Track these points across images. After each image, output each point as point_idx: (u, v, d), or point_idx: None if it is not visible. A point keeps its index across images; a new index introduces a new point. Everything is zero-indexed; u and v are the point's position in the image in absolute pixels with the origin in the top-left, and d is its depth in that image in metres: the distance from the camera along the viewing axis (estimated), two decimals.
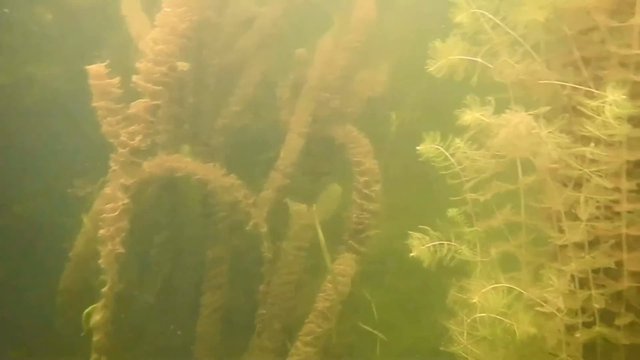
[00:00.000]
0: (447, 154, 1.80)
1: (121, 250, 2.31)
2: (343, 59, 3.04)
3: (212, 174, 2.82)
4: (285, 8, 3.10)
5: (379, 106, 3.37)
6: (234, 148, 3.17)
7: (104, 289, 2.34)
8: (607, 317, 1.67)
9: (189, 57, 2.58)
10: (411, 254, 1.81)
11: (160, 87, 2.29)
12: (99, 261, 2.33)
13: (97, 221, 2.37)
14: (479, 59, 1.69)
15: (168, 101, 2.65)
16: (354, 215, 2.94)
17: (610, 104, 1.40)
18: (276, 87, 3.18)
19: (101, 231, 2.32)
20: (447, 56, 1.71)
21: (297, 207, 2.91)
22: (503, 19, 1.68)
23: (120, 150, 2.32)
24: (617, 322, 1.64)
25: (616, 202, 1.56)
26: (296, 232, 2.94)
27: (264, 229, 2.90)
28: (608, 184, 1.53)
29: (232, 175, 2.86)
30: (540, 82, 1.64)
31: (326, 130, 3.15)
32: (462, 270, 1.87)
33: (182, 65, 2.40)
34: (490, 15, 1.68)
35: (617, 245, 1.60)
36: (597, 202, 1.56)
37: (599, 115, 1.44)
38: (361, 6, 2.96)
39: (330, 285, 2.75)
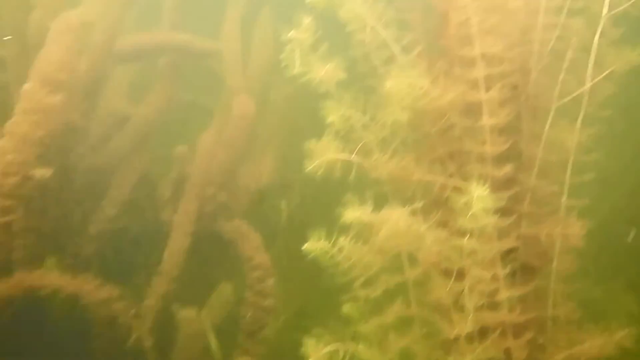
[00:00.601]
0: (333, 251, 1.76)
1: None
2: (225, 154, 3.01)
3: (85, 287, 2.55)
4: (162, 106, 3.03)
5: (267, 197, 3.35)
6: (112, 254, 2.91)
7: None
8: None
9: (51, 164, 2.36)
10: None
11: (12, 201, 2.06)
12: None
13: None
14: (353, 158, 1.72)
15: (25, 213, 2.39)
16: (248, 314, 2.80)
17: (476, 199, 1.47)
18: (156, 187, 3.03)
19: None
20: (322, 156, 1.72)
21: (185, 314, 2.70)
22: (372, 119, 1.75)
23: None
24: None
25: (496, 290, 1.61)
26: (186, 342, 2.71)
27: (148, 342, 2.65)
28: (486, 273, 1.58)
29: (108, 286, 2.60)
30: (412, 177, 1.70)
31: (213, 227, 3.04)
32: None
33: (42, 173, 2.19)
34: (360, 115, 1.74)
35: (503, 333, 1.64)
36: (480, 292, 1.60)
37: (468, 209, 1.50)
38: (239, 102, 2.99)
39: None
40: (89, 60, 2.62)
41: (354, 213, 1.65)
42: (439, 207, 1.67)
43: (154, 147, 3.08)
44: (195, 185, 2.96)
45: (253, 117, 3.02)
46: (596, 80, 1.60)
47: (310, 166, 1.73)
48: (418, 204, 1.65)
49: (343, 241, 1.72)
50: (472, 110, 1.63)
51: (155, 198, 3.02)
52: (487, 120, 1.59)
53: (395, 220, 1.56)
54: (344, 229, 1.76)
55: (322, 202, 2.28)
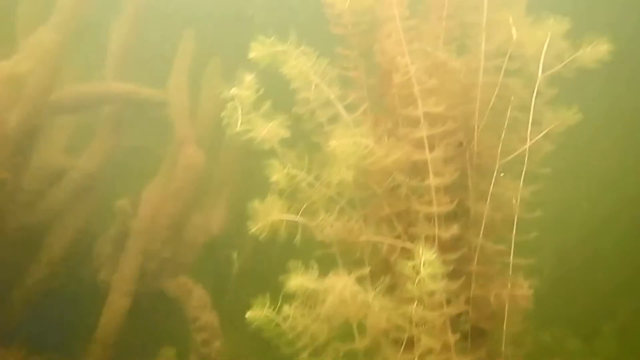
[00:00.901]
0: (278, 319, 1.65)
1: None
2: (172, 206, 2.88)
3: None
4: (102, 159, 2.88)
5: (218, 248, 3.20)
6: (40, 322, 2.67)
7: None
8: None
9: None
10: None
11: None
12: None
13: None
14: (298, 218, 1.65)
15: None
16: None
17: (424, 264, 1.41)
18: (94, 244, 2.84)
19: None
20: (267, 216, 1.64)
21: None
22: (317, 178, 1.69)
23: None
24: None
25: (448, 359, 1.54)
26: None
27: None
28: (436, 342, 1.50)
29: (35, 357, 2.36)
30: (359, 239, 1.63)
31: (156, 285, 2.86)
32: None
33: None
34: (304, 174, 1.68)
35: None
36: None
37: (416, 274, 1.44)
38: (187, 152, 2.89)
39: None
40: (21, 113, 2.47)
41: (297, 280, 1.56)
42: (386, 271, 1.61)
43: (94, 201, 2.91)
44: (138, 240, 2.79)
45: (201, 167, 2.92)
46: (535, 139, 1.61)
47: (254, 228, 1.65)
48: (365, 270, 1.58)
49: (288, 309, 1.62)
50: (418, 169, 1.60)
51: (92, 256, 2.83)
52: (432, 180, 1.56)
53: (341, 288, 1.48)
54: (289, 296, 1.66)
55: (268, 262, 2.17)
